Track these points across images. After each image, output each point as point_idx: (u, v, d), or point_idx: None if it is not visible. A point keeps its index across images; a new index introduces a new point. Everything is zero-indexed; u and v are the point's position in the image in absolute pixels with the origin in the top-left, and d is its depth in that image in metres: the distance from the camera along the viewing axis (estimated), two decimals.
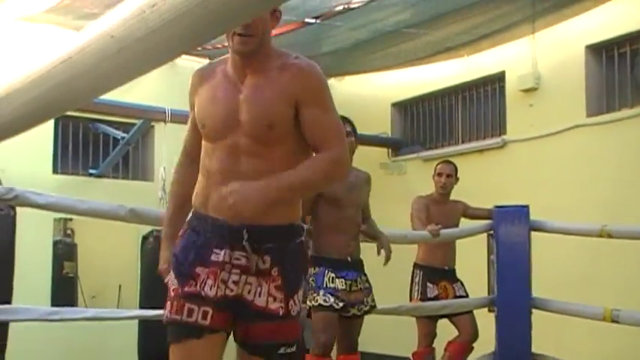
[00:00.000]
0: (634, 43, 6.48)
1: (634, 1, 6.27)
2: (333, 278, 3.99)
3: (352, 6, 6.45)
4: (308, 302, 3.95)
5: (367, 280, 4.21)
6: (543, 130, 7.04)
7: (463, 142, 8.21)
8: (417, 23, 6.85)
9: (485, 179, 7.15)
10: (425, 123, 8.82)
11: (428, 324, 5.64)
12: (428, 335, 5.67)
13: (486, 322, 5.47)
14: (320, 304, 3.91)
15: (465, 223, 5.88)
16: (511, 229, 5.39)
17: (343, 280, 4.02)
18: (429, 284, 5.63)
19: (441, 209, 5.71)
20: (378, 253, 4.32)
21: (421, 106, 8.84)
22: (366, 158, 8.42)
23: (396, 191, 7.73)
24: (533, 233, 5.58)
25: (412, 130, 9.00)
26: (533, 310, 5.42)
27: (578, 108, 6.78)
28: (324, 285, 3.95)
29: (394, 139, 8.95)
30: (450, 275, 5.76)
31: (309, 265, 3.54)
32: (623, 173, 6.36)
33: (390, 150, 8.94)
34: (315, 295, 3.95)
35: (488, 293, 5.80)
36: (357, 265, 4.16)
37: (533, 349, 5.34)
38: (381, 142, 8.83)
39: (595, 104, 6.76)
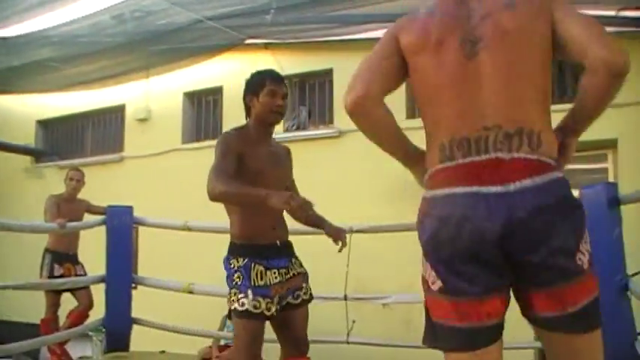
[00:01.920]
0: (215, 94, 8.36)
1: (216, 66, 8.00)
2: (262, 272, 3.03)
3: (5, 36, 7.06)
4: (231, 304, 3.03)
5: (301, 264, 3.28)
6: (152, 150, 8.46)
7: (91, 155, 9.32)
8: (58, 59, 7.68)
9: (106, 185, 7.99)
10: (62, 138, 9.84)
11: (53, 297, 6.33)
12: (53, 305, 6.38)
13: (101, 295, 5.83)
14: (247, 310, 2.96)
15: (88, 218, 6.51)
16: (119, 224, 5.82)
17: (276, 271, 3.09)
18: (55, 265, 6.34)
19: (69, 206, 6.38)
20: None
21: (60, 124, 9.82)
22: (13, 163, 9.35)
23: (36, 192, 8.40)
24: (146, 229, 6.36)
25: (51, 143, 9.92)
26: (137, 286, 5.96)
27: (176, 136, 8.43)
28: (253, 283, 2.99)
29: (37, 149, 9.83)
30: (73, 258, 6.52)
31: (232, 256, 3.08)
32: (204, 183, 7.60)
33: (32, 158, 9.80)
34: (240, 296, 2.98)
35: None
36: (288, 249, 3.25)
37: (134, 315, 5.82)
38: (26, 151, 9.70)
39: (188, 135, 8.52)
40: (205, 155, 7.68)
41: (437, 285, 1.74)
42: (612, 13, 5.93)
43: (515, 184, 1.69)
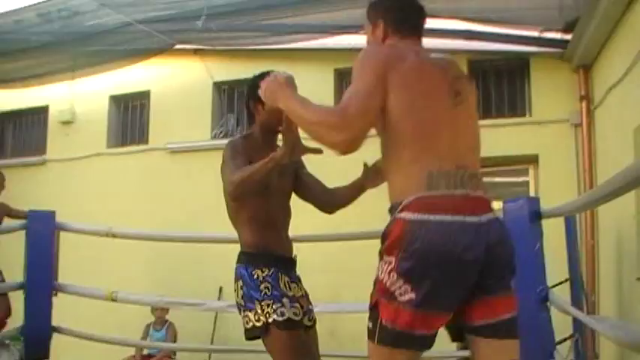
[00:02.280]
0: (142, 98, 8.32)
1: (144, 70, 7.97)
2: (288, 283, 2.87)
3: None
4: (262, 318, 2.73)
5: None
6: (75, 154, 8.32)
7: (12, 157, 9.10)
8: None
9: (27, 188, 7.84)
10: None
11: None
12: None
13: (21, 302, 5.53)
14: (289, 319, 2.74)
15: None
16: (40, 229, 5.53)
17: (296, 285, 2.93)
18: None
19: None
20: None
21: None
22: None
23: None
24: (69, 235, 6.01)
25: None
26: (57, 293, 5.62)
27: (101, 140, 8.33)
28: (285, 292, 2.80)
29: None
30: None
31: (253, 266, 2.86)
32: (129, 189, 7.82)
33: None
34: (277, 306, 2.74)
35: None
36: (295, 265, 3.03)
37: (55, 323, 5.51)
38: None
39: (113, 139, 8.43)
40: (131, 160, 7.97)
41: (407, 297, 1.93)
42: (535, 34, 6.18)
43: (482, 217, 1.99)
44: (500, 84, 6.97)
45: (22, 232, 5.59)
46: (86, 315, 6.36)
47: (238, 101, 7.97)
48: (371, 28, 2.37)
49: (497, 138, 6.58)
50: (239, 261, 2.94)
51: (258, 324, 2.75)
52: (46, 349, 5.72)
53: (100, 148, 8.32)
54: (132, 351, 6.25)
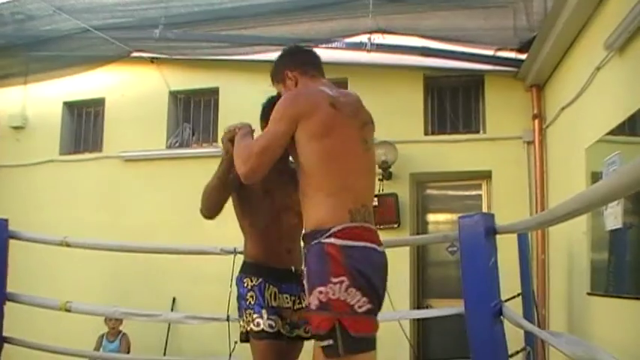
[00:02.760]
0: (97, 105, 8.20)
1: (100, 76, 7.84)
2: (275, 294, 2.98)
3: None
4: (245, 325, 2.92)
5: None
6: (27, 160, 8.15)
7: None
8: None
9: None
10: None
11: None
12: None
13: None
14: (263, 330, 2.87)
15: None
16: None
17: (288, 297, 3.01)
18: None
19: None
20: None
21: None
22: None
23: None
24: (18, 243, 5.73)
25: None
26: (8, 303, 5.38)
27: (54, 147, 8.15)
28: (267, 303, 2.93)
29: None
30: None
31: (246, 275, 3.03)
32: (83, 197, 7.72)
33: None
34: (255, 316, 2.90)
35: None
36: (301, 278, 2.82)
37: (11, 333, 5.35)
38: None
39: (66, 146, 8.26)
40: (85, 168, 7.86)
41: (365, 307, 2.34)
42: (491, 52, 6.32)
43: (380, 248, 2.50)
44: (456, 100, 7.10)
45: None
46: (38, 325, 6.26)
47: (194, 111, 7.94)
48: (281, 85, 2.75)
49: (452, 153, 6.77)
50: (239, 269, 3.15)
51: (243, 330, 2.96)
52: None
53: (53, 155, 8.14)
54: None
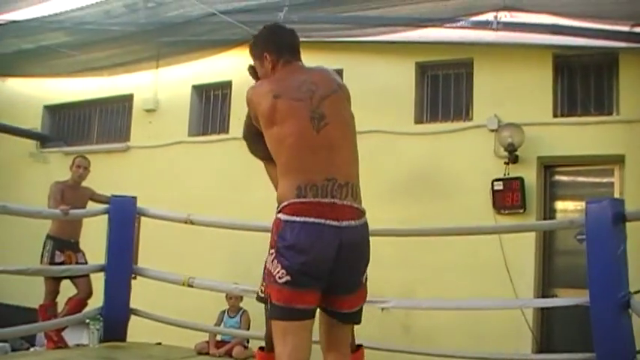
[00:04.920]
0: (224, 88, 8.39)
1: (226, 60, 8.02)
2: None
3: (16, 19, 7.19)
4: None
5: None
6: (158, 141, 8.49)
7: (97, 143, 9.35)
8: (68, 44, 7.89)
9: (111, 173, 8.01)
10: (69, 124, 9.87)
11: (53, 283, 6.29)
12: (52, 292, 6.34)
13: (101, 283, 5.85)
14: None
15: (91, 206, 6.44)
16: (122, 213, 5.77)
17: None
18: (57, 252, 6.30)
19: (73, 193, 6.34)
20: None
21: (67, 110, 9.85)
22: (18, 147, 9.43)
23: (40, 177, 8.47)
24: (148, 219, 6.41)
25: (58, 128, 9.96)
26: (136, 277, 5.92)
27: (183, 129, 8.45)
28: None
29: (42, 134, 9.85)
30: (75, 246, 6.44)
31: None
32: (209, 177, 7.92)
33: (38, 143, 9.81)
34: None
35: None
36: None
37: (135, 305, 5.84)
38: (31, 135, 9.70)
39: (195, 127, 8.52)
40: (211, 149, 8.02)
41: (284, 279, 2.48)
42: (626, 28, 5.92)
43: (343, 222, 2.51)
44: (587, 80, 6.70)
45: (104, 216, 5.84)
46: (161, 299, 6.47)
47: None
48: (259, 60, 2.90)
49: (582, 136, 6.40)
50: None
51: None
52: (124, 330, 5.94)
53: (182, 137, 8.43)
54: (206, 336, 6.31)
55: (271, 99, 2.63)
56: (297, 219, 2.49)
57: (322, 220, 2.48)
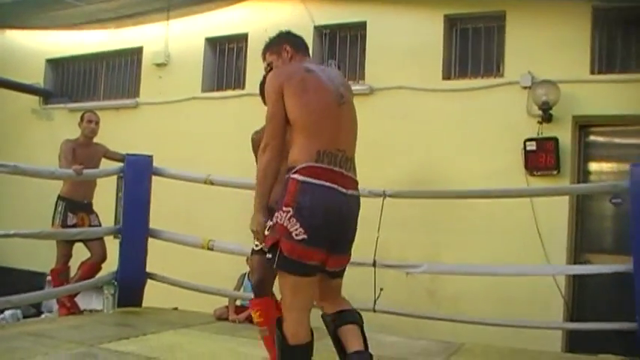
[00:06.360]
0: (239, 41, 8.05)
1: (242, 11, 7.79)
2: None
3: None
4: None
5: None
6: (169, 97, 8.21)
7: (104, 99, 9.06)
8: None
9: (119, 131, 7.71)
10: (73, 79, 9.55)
11: (66, 247, 6.10)
12: (65, 256, 6.14)
13: (114, 247, 5.79)
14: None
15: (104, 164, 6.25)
16: (136, 173, 5.66)
17: None
18: (69, 214, 6.08)
19: (86, 151, 6.10)
20: None
21: (71, 64, 9.53)
22: (20, 103, 9.10)
23: (43, 134, 8.38)
24: (158, 178, 5.92)
25: (62, 84, 9.64)
26: (150, 239, 5.75)
27: (196, 84, 8.13)
28: None
29: (46, 89, 9.53)
30: (88, 207, 6.22)
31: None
32: (224, 135, 7.52)
33: (41, 99, 9.50)
34: None
35: (115, 224, 5.80)
36: None
37: (148, 269, 5.74)
38: (33, 90, 9.39)
39: (209, 83, 8.20)
40: (226, 105, 7.72)
41: (301, 237, 2.71)
42: None
43: (349, 191, 2.86)
44: (628, 36, 6.29)
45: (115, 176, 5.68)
46: (176, 263, 6.35)
47: (340, 46, 7.60)
48: (277, 54, 3.18)
49: (621, 95, 6.17)
50: None
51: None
52: (140, 295, 5.78)
53: (195, 92, 8.12)
54: (224, 301, 6.09)
55: (303, 72, 2.94)
56: (316, 181, 2.76)
57: (335, 186, 2.79)
